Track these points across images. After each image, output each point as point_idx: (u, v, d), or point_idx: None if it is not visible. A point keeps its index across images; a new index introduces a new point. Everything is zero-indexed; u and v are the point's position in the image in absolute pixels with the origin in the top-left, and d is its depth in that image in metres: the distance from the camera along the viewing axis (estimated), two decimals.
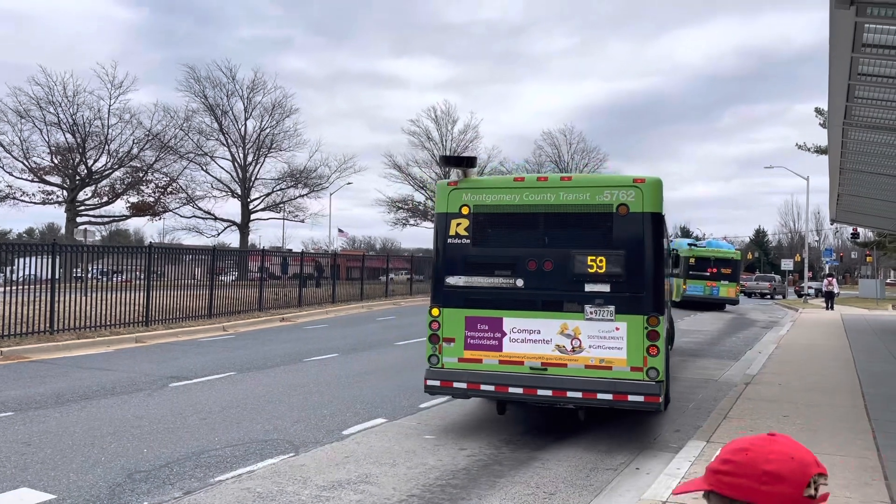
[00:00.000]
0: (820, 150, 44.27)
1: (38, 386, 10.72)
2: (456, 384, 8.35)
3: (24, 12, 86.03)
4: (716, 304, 37.43)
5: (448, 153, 61.09)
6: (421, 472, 6.84)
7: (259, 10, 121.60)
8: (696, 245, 39.79)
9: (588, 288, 8.09)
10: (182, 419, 8.73)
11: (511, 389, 8.17)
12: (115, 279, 19.61)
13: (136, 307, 18.03)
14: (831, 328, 25.51)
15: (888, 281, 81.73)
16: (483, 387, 8.27)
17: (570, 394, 7.99)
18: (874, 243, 59.88)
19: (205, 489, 6.19)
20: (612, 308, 8.02)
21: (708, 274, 37.27)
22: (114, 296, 17.33)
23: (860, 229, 43.87)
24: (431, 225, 62.31)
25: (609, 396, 7.88)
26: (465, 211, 8.57)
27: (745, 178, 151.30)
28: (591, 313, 8.07)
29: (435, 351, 8.49)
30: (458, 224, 8.58)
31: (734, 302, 38.14)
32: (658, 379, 7.82)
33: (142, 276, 18.95)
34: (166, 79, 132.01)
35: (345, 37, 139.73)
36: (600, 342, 8.02)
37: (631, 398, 7.80)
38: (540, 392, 8.05)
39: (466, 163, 8.96)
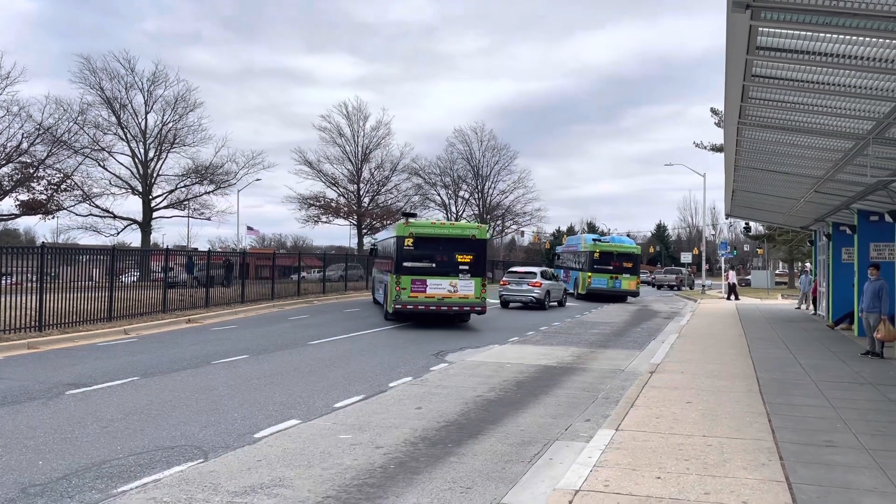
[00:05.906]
0: (716, 148, 46.57)
1: None
2: (408, 306, 20.59)
3: None
4: (619, 297, 38.84)
5: (360, 150, 60.73)
6: (337, 472, 6.74)
7: (166, 2, 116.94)
8: (600, 240, 41.06)
9: (461, 267, 20.88)
10: (81, 428, 8.27)
11: (431, 307, 20.69)
12: (3, 282, 18.36)
13: (29, 311, 16.97)
14: (727, 317, 26.88)
15: (777, 272, 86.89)
16: (419, 307, 20.64)
17: (453, 308, 20.96)
18: (765, 236, 63.48)
19: (106, 500, 5.88)
20: (469, 275, 20.91)
21: (611, 268, 38.63)
22: (2, 299, 16.24)
23: (752, 223, 46.35)
24: (344, 222, 62.11)
25: (468, 308, 21.11)
26: (411, 234, 20.89)
27: (648, 175, 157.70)
28: (461, 277, 20.84)
29: (398, 293, 20.48)
30: (409, 240, 20.81)
31: (635, 294, 39.73)
32: (485, 301, 21.14)
33: (34, 279, 17.83)
34: (65, 72, 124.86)
35: (255, 32, 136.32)
36: (464, 288, 20.82)
37: (476, 308, 21.09)
38: (442, 308, 20.80)
39: (412, 216, 22.36)
